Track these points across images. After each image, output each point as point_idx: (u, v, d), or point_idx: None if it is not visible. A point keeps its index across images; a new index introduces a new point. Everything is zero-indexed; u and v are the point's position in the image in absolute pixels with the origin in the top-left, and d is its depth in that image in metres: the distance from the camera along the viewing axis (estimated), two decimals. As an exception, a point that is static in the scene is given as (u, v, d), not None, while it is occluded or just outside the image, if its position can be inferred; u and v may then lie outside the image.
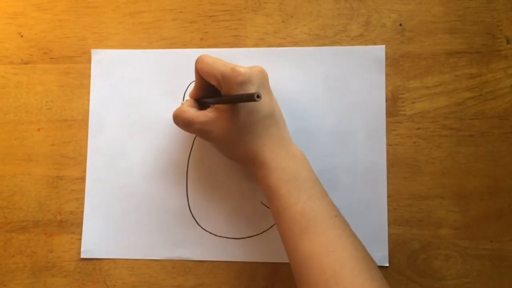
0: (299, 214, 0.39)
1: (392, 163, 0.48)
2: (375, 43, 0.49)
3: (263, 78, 0.42)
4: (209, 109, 0.43)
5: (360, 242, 0.40)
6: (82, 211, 0.49)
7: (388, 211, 0.47)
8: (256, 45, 0.50)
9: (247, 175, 0.49)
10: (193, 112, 0.43)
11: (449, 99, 0.48)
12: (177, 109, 0.44)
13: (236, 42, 0.50)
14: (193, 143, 0.50)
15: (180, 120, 0.43)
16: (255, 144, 0.42)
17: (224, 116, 0.41)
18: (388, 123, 0.48)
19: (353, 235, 0.40)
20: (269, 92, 0.43)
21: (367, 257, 0.40)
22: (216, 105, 0.43)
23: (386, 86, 0.48)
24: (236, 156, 0.44)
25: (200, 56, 0.43)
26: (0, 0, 0.52)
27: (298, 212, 0.40)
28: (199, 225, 0.49)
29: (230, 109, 0.41)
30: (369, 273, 0.38)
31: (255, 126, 0.41)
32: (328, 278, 0.37)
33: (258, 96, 0.36)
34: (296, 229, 0.39)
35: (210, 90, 0.44)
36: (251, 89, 0.40)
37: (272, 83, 0.46)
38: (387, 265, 0.47)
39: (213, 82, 0.42)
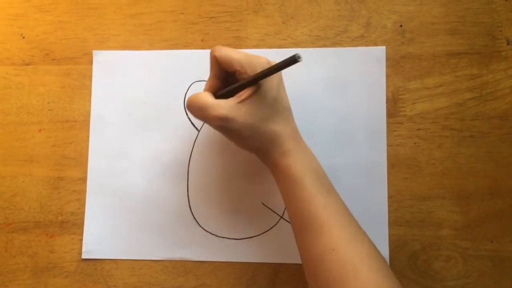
0: (321, 208, 0.39)
1: (393, 163, 0.48)
2: (375, 44, 0.49)
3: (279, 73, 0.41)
4: (231, 98, 0.40)
5: (372, 244, 0.40)
6: (83, 212, 0.50)
7: (389, 211, 0.47)
8: (256, 46, 0.50)
9: (248, 176, 0.49)
10: (212, 99, 0.40)
11: (449, 100, 0.48)
12: (192, 95, 0.41)
13: (237, 43, 0.50)
14: (194, 143, 0.50)
15: (196, 105, 0.40)
16: (281, 132, 0.41)
17: (249, 103, 0.39)
18: (388, 124, 0.48)
19: (366, 235, 0.40)
20: (285, 87, 0.43)
21: (382, 256, 0.40)
22: (238, 95, 0.40)
23: (387, 87, 0.49)
24: (257, 148, 0.43)
25: (215, 47, 0.41)
26: (2, 1, 0.53)
27: (320, 205, 0.39)
28: (200, 225, 0.49)
29: (255, 96, 0.39)
30: (386, 271, 0.38)
31: (279, 115, 0.41)
32: (348, 272, 0.37)
33: (299, 57, 0.35)
34: (316, 223, 0.39)
35: (226, 81, 0.42)
36: (274, 79, 0.40)
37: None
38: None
39: (235, 67, 0.40)
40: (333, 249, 0.38)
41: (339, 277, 0.37)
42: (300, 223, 0.41)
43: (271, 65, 0.38)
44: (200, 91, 0.41)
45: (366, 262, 0.38)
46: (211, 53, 0.41)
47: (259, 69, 0.39)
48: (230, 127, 0.40)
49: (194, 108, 0.40)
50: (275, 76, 0.40)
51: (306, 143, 0.43)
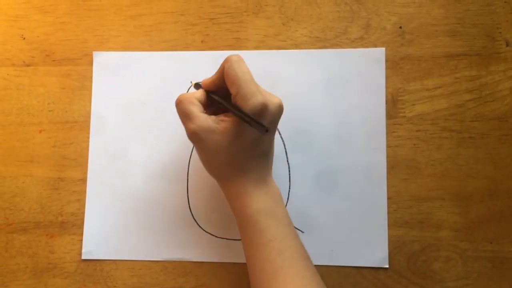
0: (275, 252, 0.38)
1: (392, 164, 0.48)
2: (375, 46, 0.49)
3: (278, 114, 0.40)
4: (213, 118, 0.39)
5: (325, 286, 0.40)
6: (83, 213, 0.50)
7: (388, 212, 0.47)
8: (256, 47, 0.50)
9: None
10: (198, 110, 0.39)
11: (449, 101, 0.48)
12: (184, 95, 0.40)
13: (237, 44, 0.50)
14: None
15: (182, 108, 0.39)
16: (240, 174, 0.40)
17: (225, 133, 0.39)
18: (388, 125, 0.48)
19: (321, 280, 0.40)
20: (276, 129, 0.42)
21: None
22: (222, 118, 0.40)
23: (386, 88, 0.49)
24: (217, 176, 0.42)
25: (232, 57, 0.39)
26: (3, 2, 0.53)
27: (275, 249, 0.39)
28: (199, 226, 0.49)
29: (236, 132, 0.38)
30: None
31: (248, 158, 0.40)
32: None
33: (267, 131, 0.35)
34: (270, 267, 0.38)
35: (223, 91, 0.41)
36: (263, 121, 0.38)
37: (272, 85, 0.46)
38: (387, 266, 0.47)
39: (231, 90, 0.39)
40: None
41: None
42: (254, 265, 0.40)
43: (280, 108, 0.39)
44: (194, 93, 0.41)
45: None
46: (224, 61, 0.39)
47: (247, 110, 0.37)
48: (199, 145, 0.40)
49: (179, 111, 0.40)
50: (265, 121, 0.38)
51: (274, 184, 0.42)
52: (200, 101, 0.40)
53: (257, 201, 0.40)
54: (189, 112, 0.39)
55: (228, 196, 0.42)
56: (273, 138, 0.42)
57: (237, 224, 0.42)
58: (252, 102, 0.37)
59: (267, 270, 0.38)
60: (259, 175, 0.41)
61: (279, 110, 0.39)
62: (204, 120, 0.39)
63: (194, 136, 0.39)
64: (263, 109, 0.38)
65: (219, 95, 0.41)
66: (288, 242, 0.39)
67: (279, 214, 0.41)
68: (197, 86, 0.43)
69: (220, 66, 0.40)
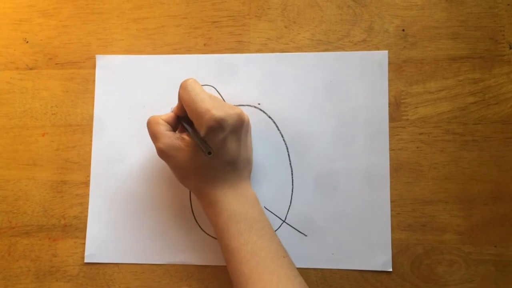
0: (249, 255, 0.40)
1: (395, 168, 0.48)
2: (378, 49, 0.49)
3: (239, 123, 0.42)
4: (177, 136, 0.42)
5: (305, 283, 0.41)
6: (86, 216, 0.50)
7: (392, 216, 0.47)
8: (259, 50, 0.50)
9: (250, 180, 0.49)
10: (164, 129, 0.43)
11: (452, 104, 0.48)
12: (153, 117, 0.43)
13: (239, 47, 0.50)
14: (196, 148, 0.50)
15: (150, 129, 0.43)
16: (208, 184, 0.43)
17: (187, 149, 0.41)
18: (391, 128, 0.48)
19: (299, 275, 0.41)
20: (241, 138, 0.43)
21: None
22: (182, 135, 0.42)
23: (389, 91, 0.49)
24: (191, 189, 0.46)
25: (185, 81, 0.42)
26: (6, 6, 0.53)
27: (248, 252, 0.40)
28: (202, 229, 0.49)
29: (194, 146, 0.41)
30: None
31: (212, 169, 0.42)
32: None
33: (210, 153, 0.38)
34: (246, 269, 0.40)
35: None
36: (219, 136, 0.41)
37: (275, 88, 0.46)
38: (391, 270, 0.47)
39: (189, 114, 0.42)
40: None
41: None
42: (231, 269, 0.42)
43: (239, 118, 0.41)
44: (163, 115, 0.44)
45: None
46: (179, 87, 0.43)
47: (203, 129, 0.40)
48: (167, 161, 0.43)
49: (148, 130, 0.43)
50: (221, 132, 0.40)
51: (248, 188, 0.45)
52: (168, 122, 0.43)
53: (227, 208, 0.42)
54: (156, 132, 0.42)
55: (202, 206, 0.45)
56: (241, 147, 0.44)
57: (214, 230, 0.44)
58: (206, 119, 0.40)
59: (243, 272, 0.40)
60: (229, 183, 0.43)
61: (239, 118, 0.42)
62: (169, 138, 0.42)
63: (162, 154, 0.42)
64: (221, 122, 0.40)
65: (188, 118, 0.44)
66: (261, 244, 0.41)
67: (251, 218, 0.42)
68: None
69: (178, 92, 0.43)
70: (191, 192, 0.48)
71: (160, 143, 0.42)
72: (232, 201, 0.43)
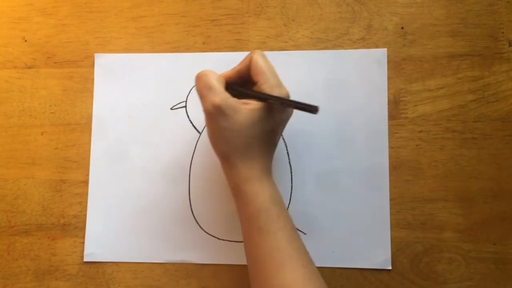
0: (285, 241, 0.38)
1: (395, 166, 0.48)
2: (377, 46, 0.49)
3: None
4: (237, 100, 0.39)
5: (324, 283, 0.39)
6: (85, 215, 0.50)
7: (391, 214, 0.47)
8: (258, 48, 0.50)
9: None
10: (221, 85, 0.39)
11: (451, 101, 0.48)
12: (207, 70, 0.40)
13: (238, 46, 0.50)
14: (195, 146, 0.50)
15: (206, 81, 0.39)
16: (256, 160, 0.40)
17: (251, 117, 0.39)
18: (390, 126, 0.48)
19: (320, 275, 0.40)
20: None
21: None
22: (245, 101, 0.39)
23: (388, 89, 0.49)
24: (228, 157, 0.40)
25: (258, 50, 0.41)
26: (5, 5, 0.53)
27: (284, 239, 0.38)
28: (201, 228, 0.49)
29: (260, 117, 0.39)
30: None
31: (264, 145, 0.40)
32: None
33: (317, 110, 0.36)
34: (278, 257, 0.38)
35: (244, 82, 0.42)
36: (289, 112, 0.41)
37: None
38: (390, 268, 0.47)
39: (258, 80, 0.40)
40: (292, 286, 0.37)
41: None
42: (258, 255, 0.39)
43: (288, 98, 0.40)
44: (211, 70, 0.40)
45: None
46: (251, 53, 0.41)
47: (275, 93, 0.39)
48: (218, 120, 0.39)
49: (201, 83, 0.39)
50: (286, 114, 0.41)
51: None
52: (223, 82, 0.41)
53: (269, 188, 0.40)
54: (214, 85, 0.39)
55: (235, 180, 0.40)
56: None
57: (243, 212, 0.40)
58: (280, 91, 0.39)
59: (275, 259, 0.38)
60: (269, 164, 0.42)
61: None
62: (229, 97, 0.39)
63: (216, 110, 0.38)
64: (288, 97, 0.40)
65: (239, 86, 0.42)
66: (295, 234, 0.40)
67: (283, 205, 0.41)
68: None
69: (246, 58, 0.41)
70: (220, 164, 0.42)
71: (217, 98, 0.38)
72: (271, 182, 0.41)
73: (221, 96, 0.38)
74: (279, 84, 0.40)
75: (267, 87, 0.39)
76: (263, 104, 0.39)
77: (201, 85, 0.39)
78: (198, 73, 0.40)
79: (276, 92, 0.39)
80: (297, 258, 0.38)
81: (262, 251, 0.39)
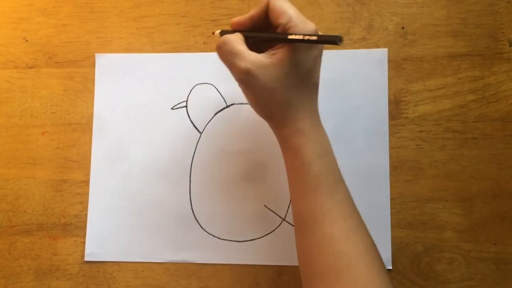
0: (325, 196, 0.37)
1: (395, 165, 0.48)
2: (377, 46, 0.49)
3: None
4: (263, 54, 0.38)
5: (371, 236, 0.39)
6: (86, 214, 0.50)
7: (391, 214, 0.47)
8: (258, 48, 0.50)
9: (250, 178, 0.49)
10: (244, 47, 0.38)
11: (452, 101, 0.48)
12: (227, 36, 0.38)
13: (239, 45, 0.50)
14: (196, 146, 0.50)
15: (229, 48, 0.38)
16: (301, 109, 0.38)
17: (282, 66, 0.37)
18: (391, 126, 0.48)
19: (367, 227, 0.39)
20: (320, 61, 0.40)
21: (378, 252, 0.38)
22: (272, 52, 0.37)
23: (389, 89, 0.49)
24: (273, 116, 0.39)
25: None
26: (6, 5, 0.53)
27: (325, 193, 0.37)
28: (202, 228, 0.49)
29: (289, 61, 0.37)
30: (381, 268, 0.37)
31: (305, 90, 0.38)
32: (343, 265, 0.36)
33: (341, 40, 0.34)
34: (319, 211, 0.37)
35: (260, 27, 0.40)
36: (319, 48, 0.38)
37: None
38: (391, 268, 0.47)
39: (282, 20, 0.37)
40: (333, 240, 0.37)
41: (333, 268, 0.36)
42: (302, 208, 0.39)
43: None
44: (230, 34, 0.39)
45: (363, 257, 0.37)
46: None
47: (309, 31, 0.36)
48: (252, 84, 0.37)
49: (224, 51, 0.38)
50: (316, 48, 0.38)
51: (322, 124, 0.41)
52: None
53: (311, 141, 0.38)
54: (238, 50, 0.37)
55: (281, 139, 0.40)
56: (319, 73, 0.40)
57: (286, 168, 0.40)
58: (309, 26, 0.36)
59: (316, 213, 0.37)
60: (312, 110, 0.40)
61: None
62: (255, 56, 0.37)
63: (247, 75, 0.37)
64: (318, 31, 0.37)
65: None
66: (339, 187, 0.39)
67: (330, 156, 0.39)
68: (224, 32, 0.41)
69: (260, 3, 0.39)
70: (268, 123, 0.41)
71: (245, 62, 0.37)
72: (317, 133, 0.39)
73: (248, 58, 0.37)
74: (305, 20, 0.37)
75: (293, 25, 0.36)
76: (289, 49, 0.37)
77: (226, 54, 0.38)
78: (218, 43, 0.38)
79: (301, 29, 0.36)
80: (340, 211, 0.37)
81: (305, 204, 0.38)
